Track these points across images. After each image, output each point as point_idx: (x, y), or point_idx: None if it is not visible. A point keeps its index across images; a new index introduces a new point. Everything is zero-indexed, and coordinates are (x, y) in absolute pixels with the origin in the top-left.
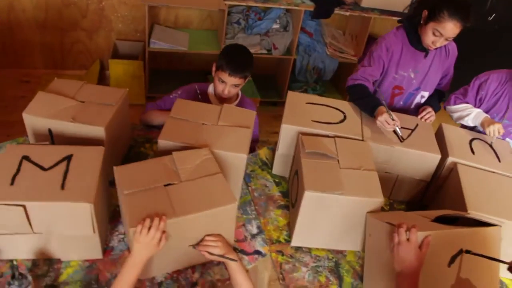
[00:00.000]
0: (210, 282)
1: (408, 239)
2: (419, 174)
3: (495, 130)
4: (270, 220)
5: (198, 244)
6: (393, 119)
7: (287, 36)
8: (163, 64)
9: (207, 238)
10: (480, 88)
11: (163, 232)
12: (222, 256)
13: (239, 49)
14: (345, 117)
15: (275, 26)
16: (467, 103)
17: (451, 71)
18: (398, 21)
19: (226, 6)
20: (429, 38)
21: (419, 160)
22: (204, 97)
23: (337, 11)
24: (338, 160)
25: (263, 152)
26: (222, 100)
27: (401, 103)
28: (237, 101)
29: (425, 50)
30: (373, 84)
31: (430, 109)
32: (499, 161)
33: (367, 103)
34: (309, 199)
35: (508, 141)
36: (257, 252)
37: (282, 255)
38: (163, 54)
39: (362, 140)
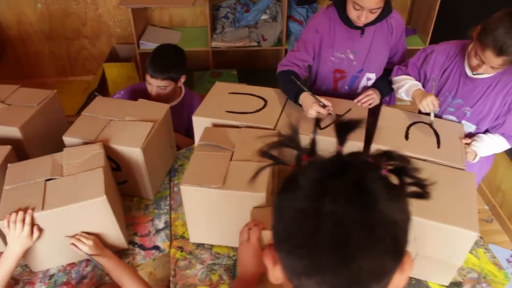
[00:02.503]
0: (99, 276)
1: (248, 239)
2: None
3: (428, 104)
4: (181, 215)
5: (71, 237)
6: (323, 106)
7: (276, 26)
8: None
9: (80, 234)
10: (425, 61)
11: (34, 225)
12: (89, 255)
13: (164, 50)
14: (265, 105)
15: (264, 16)
16: (408, 74)
17: (402, 47)
18: None
19: (202, 1)
20: (352, 13)
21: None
22: (146, 95)
23: None
24: (233, 152)
25: None
26: (159, 98)
27: (346, 87)
28: (180, 98)
29: (361, 28)
30: (309, 69)
31: (371, 91)
32: (438, 147)
33: (291, 89)
34: (187, 194)
35: (464, 123)
36: (156, 248)
37: (182, 251)
38: None
39: (273, 129)
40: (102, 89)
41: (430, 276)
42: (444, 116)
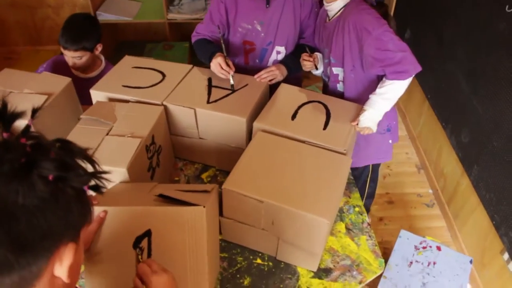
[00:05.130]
0: None
1: None
2: (232, 140)
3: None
4: None
5: None
6: (228, 65)
7: None
8: (130, 36)
9: None
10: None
11: None
12: None
13: (75, 20)
14: (162, 80)
15: None
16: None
17: (313, 21)
18: None
19: None
20: None
21: (226, 124)
22: (67, 68)
23: None
24: (112, 127)
25: None
26: (78, 69)
27: (257, 61)
28: (100, 69)
29: None
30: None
31: (273, 67)
32: (324, 128)
33: (206, 51)
34: None
35: (338, 70)
36: None
37: None
38: (128, 25)
39: (160, 105)
40: None
41: (297, 261)
42: (333, 69)
